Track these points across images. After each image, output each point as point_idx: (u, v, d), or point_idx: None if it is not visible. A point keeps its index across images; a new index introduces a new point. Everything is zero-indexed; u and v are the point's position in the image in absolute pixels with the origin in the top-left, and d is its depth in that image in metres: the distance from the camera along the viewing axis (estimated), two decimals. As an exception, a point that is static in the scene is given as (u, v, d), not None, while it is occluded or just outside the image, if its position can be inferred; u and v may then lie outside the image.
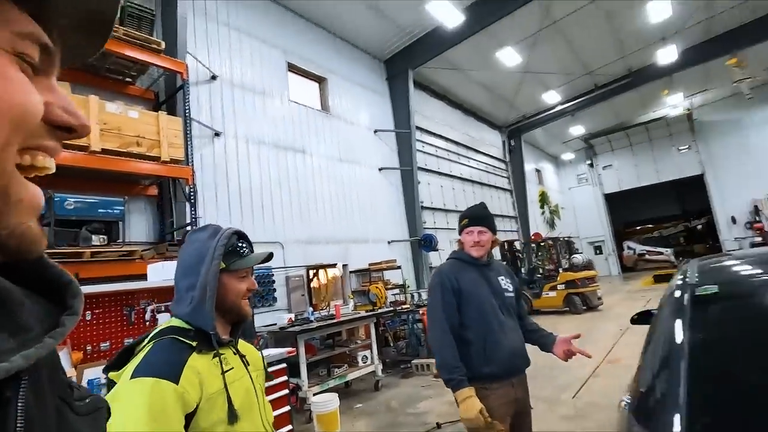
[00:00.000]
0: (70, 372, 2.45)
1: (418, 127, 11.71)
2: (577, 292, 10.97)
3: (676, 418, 1.02)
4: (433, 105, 13.39)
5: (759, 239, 17.34)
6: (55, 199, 4.11)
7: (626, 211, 24.53)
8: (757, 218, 18.04)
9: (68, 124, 0.36)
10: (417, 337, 7.16)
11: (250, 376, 1.22)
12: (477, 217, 2.25)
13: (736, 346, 1.25)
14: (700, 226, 23.64)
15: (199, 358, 1.08)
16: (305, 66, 9.07)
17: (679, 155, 20.81)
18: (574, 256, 12.12)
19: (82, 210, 4.30)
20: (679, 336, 1.27)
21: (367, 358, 5.85)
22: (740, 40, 12.17)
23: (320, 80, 9.57)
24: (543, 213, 20.46)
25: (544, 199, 20.67)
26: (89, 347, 2.81)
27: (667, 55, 12.34)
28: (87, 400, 0.43)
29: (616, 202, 23.40)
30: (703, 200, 20.51)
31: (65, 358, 2.49)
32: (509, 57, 11.80)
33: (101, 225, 4.52)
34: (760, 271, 1.68)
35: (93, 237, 4.41)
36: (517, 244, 13.63)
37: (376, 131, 10.61)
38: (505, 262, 12.80)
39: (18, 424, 0.31)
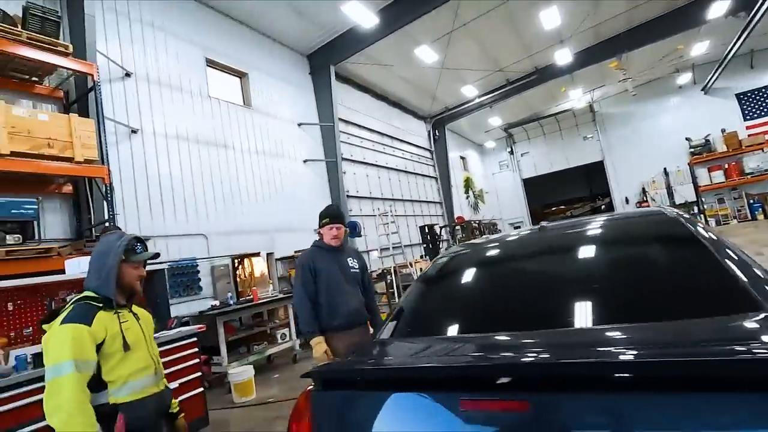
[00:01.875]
0: (-4, 353, 2.90)
1: (342, 120, 12.33)
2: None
3: (388, 328, 1.84)
4: (357, 98, 14.03)
5: (645, 216, 20.09)
6: (-35, 202, 4.29)
7: (542, 194, 26.96)
8: (644, 198, 20.85)
9: None
10: (336, 315, 7.92)
11: (141, 328, 1.92)
12: (335, 215, 3.01)
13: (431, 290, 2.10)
14: (603, 206, 26.63)
15: (103, 314, 1.77)
16: (225, 62, 9.31)
17: (584, 143, 23.25)
18: (484, 236, 13.47)
19: (-6, 211, 4.50)
20: (412, 286, 2.10)
21: (285, 335, 6.53)
22: (621, 45, 14.03)
23: (241, 75, 9.85)
24: (468, 197, 22.04)
25: (468, 184, 22.23)
26: (13, 333, 3.24)
27: (563, 56, 13.92)
28: None
29: (533, 186, 25.66)
30: (605, 183, 23.20)
31: (-10, 341, 2.93)
32: (426, 54, 12.69)
33: (15, 224, 4.74)
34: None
35: (7, 236, 4.64)
36: (437, 228, 14.82)
37: (300, 124, 11.08)
38: (425, 245, 13.89)
39: None
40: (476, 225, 14.27)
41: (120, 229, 2.04)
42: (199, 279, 7.51)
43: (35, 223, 4.92)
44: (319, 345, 2.64)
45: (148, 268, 5.14)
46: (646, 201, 20.65)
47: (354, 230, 11.19)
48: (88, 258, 3.99)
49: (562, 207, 28.44)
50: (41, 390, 2.74)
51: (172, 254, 7.21)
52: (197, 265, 7.52)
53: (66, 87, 6.29)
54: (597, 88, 19.70)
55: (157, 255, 2.07)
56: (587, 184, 28.18)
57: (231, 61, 9.45)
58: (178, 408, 2.07)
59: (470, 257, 2.25)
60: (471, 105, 17.75)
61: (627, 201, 21.71)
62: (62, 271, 4.03)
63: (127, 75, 7.24)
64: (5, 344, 3.07)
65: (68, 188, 6.01)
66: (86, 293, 1.81)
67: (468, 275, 2.05)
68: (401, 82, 15.05)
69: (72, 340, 1.59)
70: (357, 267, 3.00)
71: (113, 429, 1.63)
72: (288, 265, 9.62)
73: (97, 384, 1.66)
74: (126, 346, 1.76)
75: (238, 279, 8.29)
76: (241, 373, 4.97)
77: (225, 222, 8.36)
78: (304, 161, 10.92)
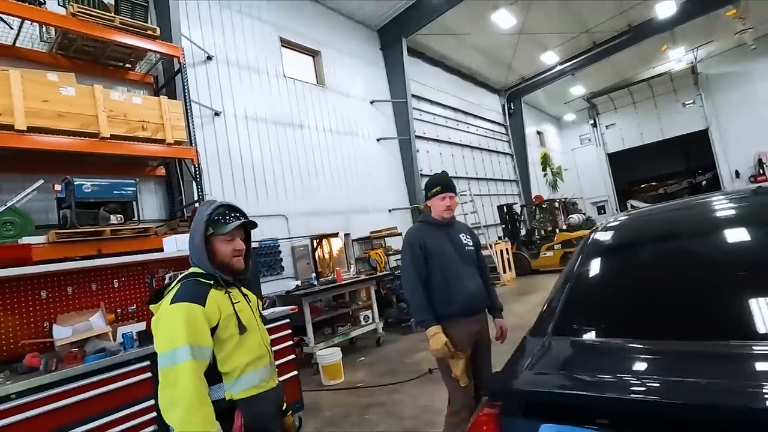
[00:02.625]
0: (106, 330, 2.91)
1: (414, 96, 11.82)
2: (573, 251, 11.32)
3: (549, 326, 1.39)
4: (428, 72, 13.40)
5: (762, 192, 17.36)
6: (75, 184, 4.50)
7: (630, 169, 24.43)
8: (761, 171, 17.99)
9: None
10: (416, 297, 7.62)
11: (251, 309, 1.67)
12: (447, 184, 2.58)
13: (604, 276, 1.60)
14: (704, 182, 23.57)
15: (215, 292, 1.53)
16: (298, 40, 9.19)
17: (683, 110, 20.56)
18: (571, 216, 12.41)
19: (99, 192, 4.69)
20: (571, 269, 1.63)
21: (368, 317, 6.35)
22: (740, -10, 11.89)
23: (314, 54, 9.69)
24: (545, 175, 20.57)
25: (546, 161, 20.73)
26: (119, 310, 3.27)
27: (665, 8, 12.12)
28: None
29: (619, 161, 23.33)
30: (708, 155, 20.41)
31: (101, 319, 2.94)
32: (504, 19, 11.69)
33: (117, 205, 4.92)
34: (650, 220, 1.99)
35: (111, 216, 4.84)
36: (516, 207, 13.92)
37: (372, 102, 10.77)
38: (504, 225, 13.14)
39: None
40: (560, 204, 13.15)
41: (215, 201, 1.74)
42: (281, 259, 7.57)
43: (135, 203, 5.09)
44: (436, 336, 2.27)
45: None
46: (764, 174, 17.82)
47: (429, 210, 10.77)
48: (183, 236, 4.00)
49: (653, 184, 25.66)
50: (146, 369, 2.76)
51: (255, 235, 7.29)
52: (279, 246, 7.58)
53: (155, 72, 6.48)
54: (702, 46, 17.15)
55: (253, 224, 1.69)
56: (684, 158, 25.04)
57: (304, 40, 9.31)
58: (286, 405, 1.81)
59: (653, 229, 1.74)
60: (551, 74, 16.31)
61: (737, 175, 18.92)
62: (160, 250, 4.08)
63: (209, 58, 7.33)
64: (113, 321, 3.09)
65: (161, 171, 6.23)
66: (193, 269, 1.60)
67: (657, 253, 1.55)
68: (475, 53, 14.13)
69: (186, 321, 1.37)
70: (472, 244, 2.58)
71: (230, 429, 1.39)
72: (364, 246, 9.48)
73: (211, 376, 1.42)
74: (242, 328, 1.52)
75: (317, 259, 8.29)
76: (329, 355, 4.84)
77: (303, 203, 8.35)
78: (377, 140, 10.62)
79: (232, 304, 1.54)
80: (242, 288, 1.69)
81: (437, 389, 4.07)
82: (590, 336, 1.34)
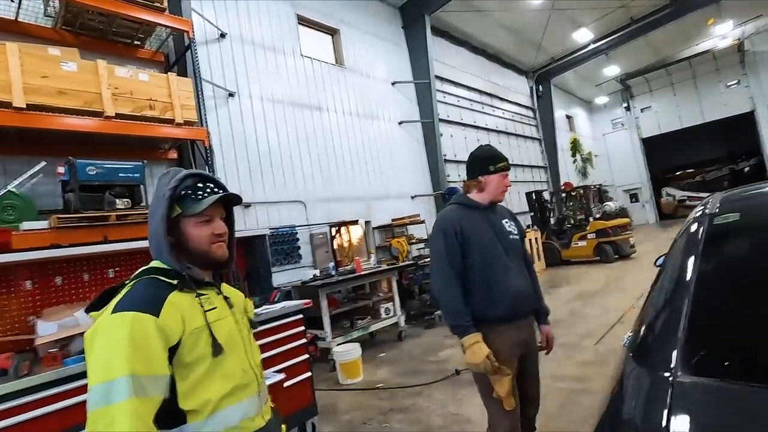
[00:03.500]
0: (97, 325, 2.59)
1: (438, 77, 11.22)
2: (609, 240, 10.64)
3: (673, 354, 0.94)
4: (453, 52, 12.73)
5: (814, 179, 16.08)
6: (77, 166, 4.23)
7: (665, 155, 23.14)
8: (813, 156, 16.63)
9: None
10: (440, 289, 7.20)
11: (234, 317, 1.23)
12: (503, 157, 2.12)
13: (752, 278, 1.13)
14: (747, 168, 22.11)
15: (180, 295, 1.10)
16: (316, 18, 8.72)
17: (726, 92, 19.17)
18: (607, 203, 11.68)
19: (104, 175, 4.40)
20: (689, 268, 1.16)
21: (389, 310, 5.96)
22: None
23: (333, 32, 9.21)
24: (575, 161, 19.63)
25: (575, 146, 19.75)
26: (115, 302, 2.96)
27: (715, -24, 11.06)
28: None
29: (654, 147, 22.09)
30: (752, 140, 19.04)
31: (91, 312, 2.62)
32: (535, -8, 10.91)
33: (124, 189, 4.64)
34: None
35: (117, 201, 4.56)
36: (546, 194, 13.23)
37: (394, 83, 10.24)
38: (533, 213, 12.55)
39: None
40: (593, 190, 12.40)
41: (180, 169, 1.24)
42: (299, 247, 7.25)
43: (142, 187, 4.80)
44: (476, 347, 1.81)
45: (247, 233, 4.87)
46: (816, 160, 16.46)
47: (454, 197, 10.25)
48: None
49: (690, 171, 24.33)
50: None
51: (272, 221, 7.00)
52: (297, 233, 7.26)
53: (165, 50, 6.16)
54: (751, 20, 15.79)
55: (235, 198, 1.26)
56: (725, 143, 23.57)
57: (321, 17, 8.84)
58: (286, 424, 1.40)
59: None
60: (584, 53, 15.37)
61: (786, 161, 17.56)
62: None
63: (222, 36, 6.97)
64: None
65: (173, 154, 5.94)
66: (153, 263, 1.17)
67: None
68: (502, 31, 13.35)
69: (130, 340, 0.95)
70: (517, 233, 2.12)
71: None
72: (385, 234, 9.07)
73: (169, 417, 1.01)
74: (217, 347, 1.09)
75: (336, 248, 7.94)
76: (348, 352, 4.48)
77: (322, 189, 7.98)
78: (399, 123, 10.12)
79: (204, 312, 1.11)
80: (222, 287, 1.25)
81: (466, 394, 3.66)
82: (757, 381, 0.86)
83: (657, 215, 22.05)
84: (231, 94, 6.91)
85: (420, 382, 4.19)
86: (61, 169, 4.30)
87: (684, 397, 0.81)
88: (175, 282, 1.11)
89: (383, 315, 5.90)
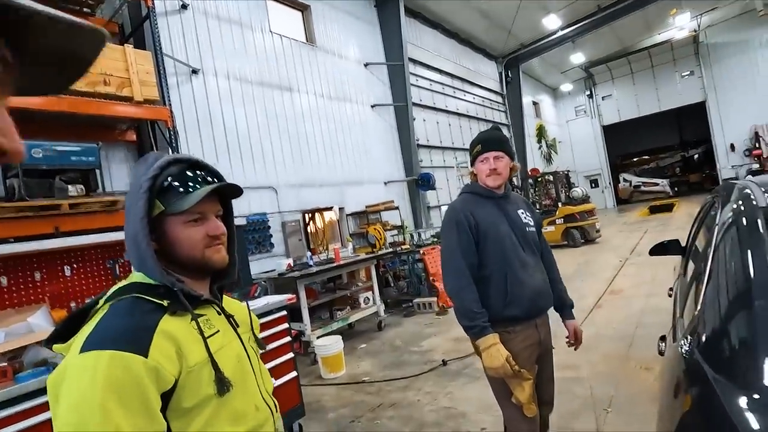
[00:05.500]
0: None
1: (410, 59, 10.96)
2: (576, 225, 10.94)
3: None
4: (426, 34, 12.48)
5: (756, 166, 17.21)
6: (20, 148, 3.73)
7: (624, 142, 24.14)
8: (757, 145, 17.77)
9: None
10: (418, 276, 7.12)
11: (241, 340, 0.99)
12: (491, 140, 1.94)
13: None
14: (697, 156, 23.44)
15: (173, 320, 0.83)
16: (285, -9, 8.22)
17: (681, 81, 20.08)
18: (574, 189, 11.98)
19: (52, 158, 3.92)
20: (761, 268, 1.04)
21: (369, 299, 5.81)
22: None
23: (303, 8, 8.73)
24: (540, 147, 20.03)
25: (541, 133, 20.14)
26: (73, 304, 2.61)
27: (679, -33, 11.34)
28: None
29: (613, 134, 22.94)
30: (703, 128, 20.13)
31: (45, 317, 2.29)
32: (508, -24, 10.79)
33: (77, 174, 4.17)
34: None
35: (69, 187, 4.09)
36: (515, 180, 13.40)
37: (366, 65, 9.90)
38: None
39: None
40: (550, 178, 12.74)
41: (162, 153, 0.93)
42: (271, 235, 6.91)
43: (98, 172, 4.33)
44: (494, 349, 1.67)
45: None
46: (759, 148, 17.62)
47: (428, 183, 10.17)
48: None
49: (646, 157, 25.52)
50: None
51: (242, 209, 6.61)
52: (268, 221, 6.91)
53: (120, 20, 5.56)
54: (707, 12, 16.47)
55: (235, 190, 1.00)
56: (677, 131, 24.84)
57: (291, -9, 8.34)
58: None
59: None
60: (552, 39, 15.52)
61: (732, 148, 18.70)
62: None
63: (184, 7, 6.39)
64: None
65: (131, 135, 5.42)
66: (134, 277, 0.90)
67: None
68: (474, 15, 13.21)
69: (107, 391, 0.69)
70: (533, 224, 1.97)
71: None
72: (359, 221, 8.86)
73: None
74: (223, 384, 0.84)
75: (309, 235, 7.66)
76: (330, 345, 4.29)
77: (293, 174, 7.62)
78: (372, 106, 9.83)
79: (204, 340, 0.85)
80: (220, 302, 1.00)
81: (456, 386, 3.57)
82: None
83: (614, 200, 23.03)
84: (195, 71, 6.39)
85: (406, 374, 4.08)
86: (0, 152, 3.79)
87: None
88: (165, 303, 0.84)
89: (363, 305, 5.74)
